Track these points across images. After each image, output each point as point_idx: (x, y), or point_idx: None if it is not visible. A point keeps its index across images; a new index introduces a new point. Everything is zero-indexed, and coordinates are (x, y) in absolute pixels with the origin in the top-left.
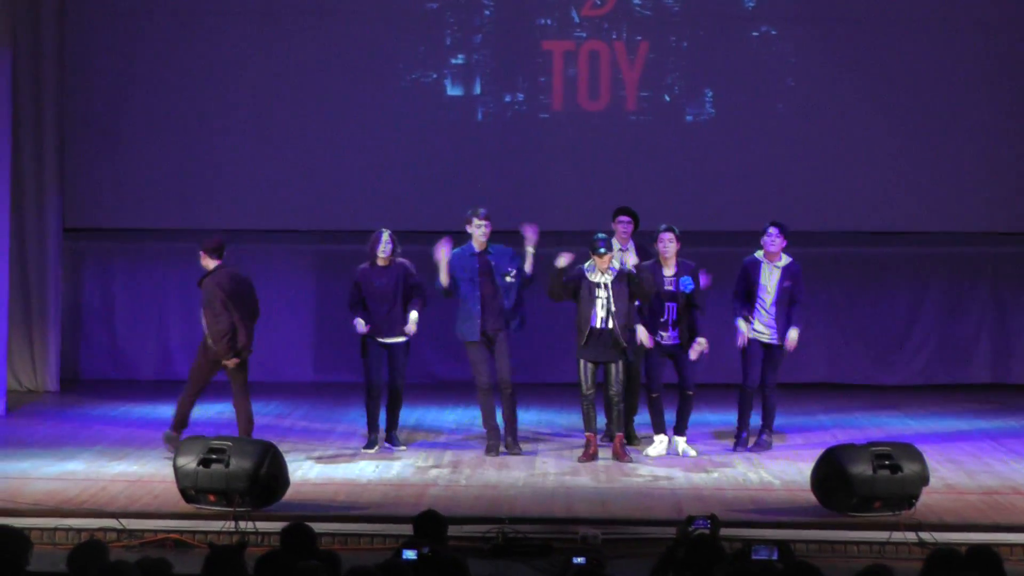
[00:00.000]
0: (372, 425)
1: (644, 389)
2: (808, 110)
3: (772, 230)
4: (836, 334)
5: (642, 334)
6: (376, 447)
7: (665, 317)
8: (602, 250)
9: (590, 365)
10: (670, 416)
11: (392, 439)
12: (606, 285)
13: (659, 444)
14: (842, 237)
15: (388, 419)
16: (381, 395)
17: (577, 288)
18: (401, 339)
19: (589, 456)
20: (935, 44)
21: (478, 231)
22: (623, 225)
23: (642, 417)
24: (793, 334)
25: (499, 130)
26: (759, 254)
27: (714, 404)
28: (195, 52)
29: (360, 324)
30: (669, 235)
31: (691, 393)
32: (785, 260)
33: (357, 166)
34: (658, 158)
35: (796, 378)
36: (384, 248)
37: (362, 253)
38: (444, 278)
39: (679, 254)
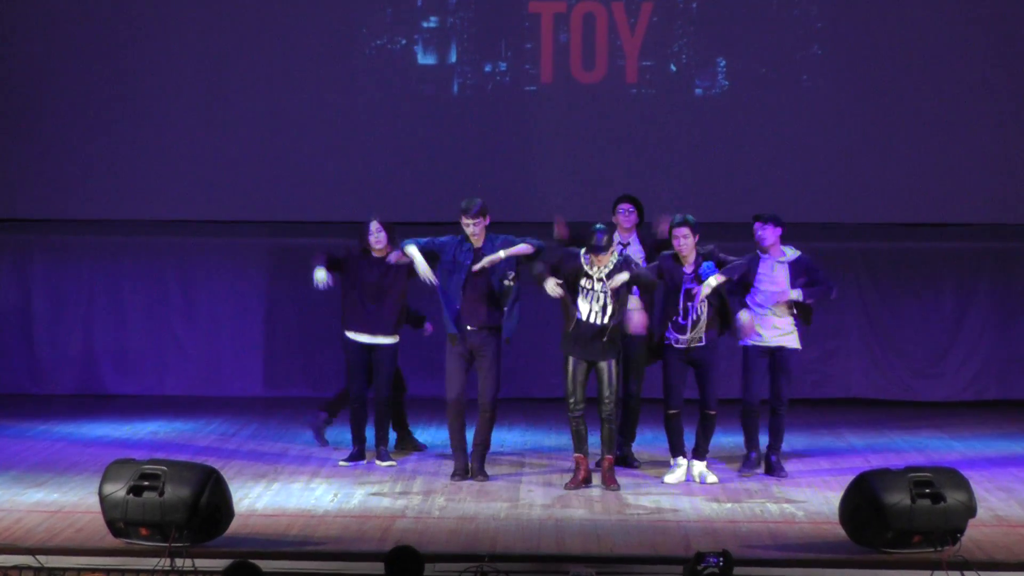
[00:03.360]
0: (355, 437)
1: (662, 405)
2: (838, 82)
3: (756, 225)
4: (869, 342)
5: (636, 320)
6: (361, 460)
7: (685, 319)
8: (600, 244)
9: (578, 366)
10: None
11: (380, 454)
12: (602, 280)
13: (679, 470)
14: (876, 230)
15: (376, 430)
16: (365, 404)
17: (565, 273)
18: (388, 340)
19: (579, 482)
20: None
21: (467, 230)
22: (624, 215)
23: (643, 436)
24: (794, 293)
25: (479, 105)
26: (760, 251)
27: (726, 423)
28: (126, 21)
29: (321, 275)
30: (685, 230)
31: (713, 413)
32: (791, 254)
33: (315, 147)
34: (663, 138)
35: (823, 393)
36: (376, 238)
37: (319, 249)
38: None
39: (696, 246)
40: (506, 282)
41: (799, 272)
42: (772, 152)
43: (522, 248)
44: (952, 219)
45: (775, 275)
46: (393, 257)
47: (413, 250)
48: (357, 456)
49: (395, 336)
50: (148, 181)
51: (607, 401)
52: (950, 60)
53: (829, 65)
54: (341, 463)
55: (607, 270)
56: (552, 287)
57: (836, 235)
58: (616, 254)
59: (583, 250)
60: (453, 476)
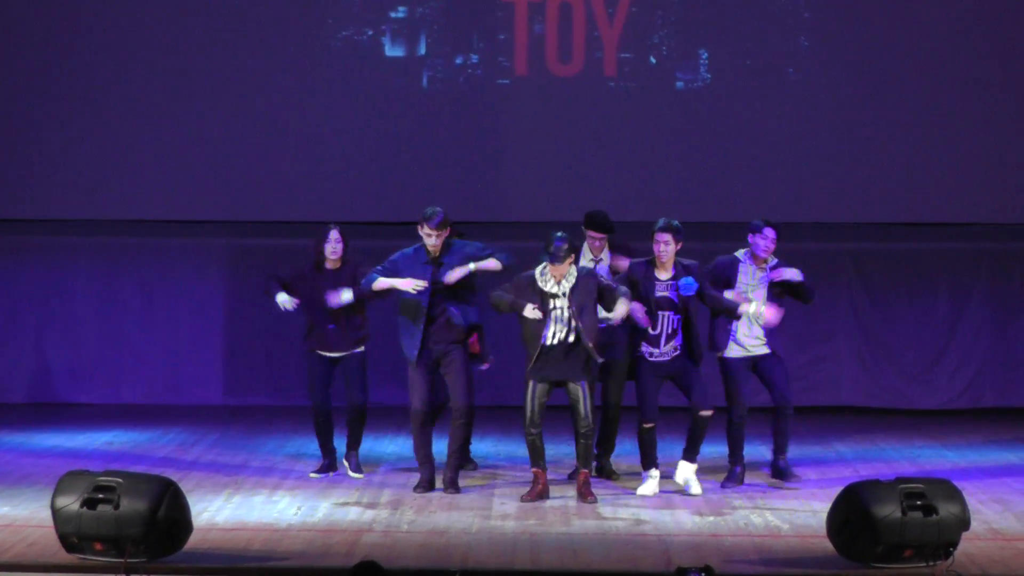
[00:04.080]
0: (323, 448)
1: (638, 418)
2: (826, 75)
3: (769, 232)
4: (859, 347)
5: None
6: (329, 472)
7: (658, 330)
8: (559, 256)
9: (540, 387)
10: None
11: (351, 464)
12: (565, 294)
13: (651, 481)
14: (867, 230)
15: (348, 438)
16: (329, 418)
17: (520, 303)
18: (358, 350)
19: (536, 494)
20: None
21: (427, 240)
22: (593, 241)
23: (621, 447)
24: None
25: (449, 99)
26: (740, 254)
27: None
28: (76, 16)
29: (284, 299)
30: (667, 235)
31: (707, 414)
32: (771, 259)
33: (276, 144)
34: (642, 134)
35: (810, 400)
36: (333, 248)
37: (281, 249)
38: (380, 287)
39: (678, 254)
40: (456, 321)
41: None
42: (757, 149)
43: (491, 264)
44: (946, 218)
45: (753, 280)
46: (345, 298)
47: (382, 282)
48: (328, 467)
49: (360, 347)
50: (102, 179)
51: (583, 422)
52: (944, 51)
53: (817, 57)
54: (312, 475)
55: (568, 285)
56: (531, 312)
57: (825, 235)
58: (574, 269)
59: (538, 268)
60: (417, 488)
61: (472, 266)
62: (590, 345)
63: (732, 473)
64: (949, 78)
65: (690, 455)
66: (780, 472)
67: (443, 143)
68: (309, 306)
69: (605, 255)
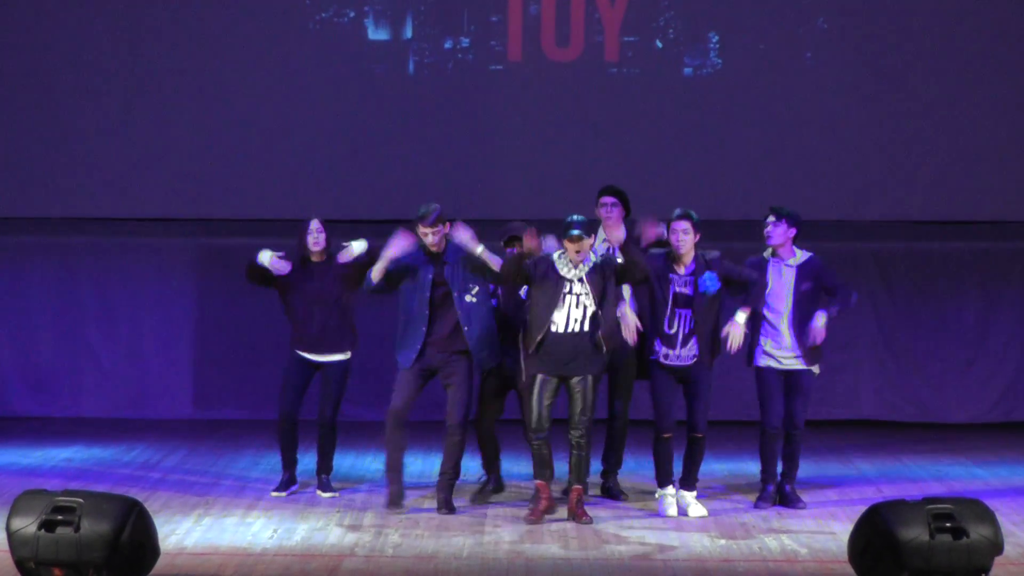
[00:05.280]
0: (285, 461)
1: (652, 428)
2: (847, 60)
3: (770, 219)
4: (880, 355)
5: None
6: (293, 487)
7: (674, 329)
8: (575, 232)
9: (547, 385)
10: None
11: (321, 483)
12: (582, 280)
13: (671, 499)
14: (891, 228)
15: (318, 458)
16: (294, 428)
17: (534, 275)
18: (339, 357)
19: (540, 512)
20: None
21: (424, 240)
22: (607, 209)
23: (625, 463)
24: (820, 320)
25: (437, 87)
26: (767, 253)
27: (718, 447)
28: (30, 4)
29: (268, 255)
30: (685, 224)
31: (700, 436)
32: (800, 256)
33: (250, 135)
34: (647, 124)
35: (828, 414)
36: (315, 239)
37: (255, 250)
38: (377, 270)
39: (698, 246)
40: (469, 297)
41: (805, 276)
42: (771, 139)
43: (495, 261)
44: (977, 216)
45: (784, 280)
46: (357, 249)
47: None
48: (288, 483)
49: (346, 352)
50: (58, 173)
51: (578, 423)
52: (976, 33)
53: (837, 40)
54: (272, 494)
55: (586, 269)
56: (532, 241)
57: (845, 234)
58: (593, 254)
59: (556, 253)
60: (388, 504)
61: (481, 248)
62: (601, 336)
63: (764, 492)
64: (985, 62)
65: (688, 482)
66: (785, 498)
67: (430, 134)
68: (292, 302)
69: (621, 231)
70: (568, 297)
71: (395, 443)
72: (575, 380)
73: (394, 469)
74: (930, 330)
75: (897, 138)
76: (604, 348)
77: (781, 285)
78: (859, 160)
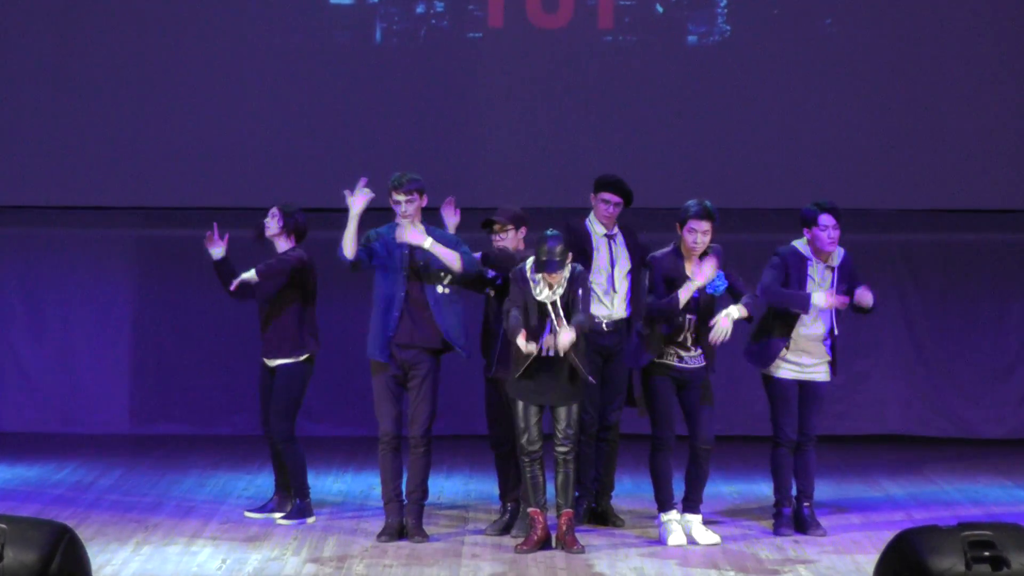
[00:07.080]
0: (277, 483)
1: (649, 441)
2: (871, 27)
3: (826, 219)
4: (909, 361)
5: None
6: (274, 511)
7: (684, 332)
8: (554, 260)
9: (531, 408)
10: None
11: (271, 503)
12: (554, 304)
13: (675, 524)
14: (920, 217)
15: (275, 478)
16: (272, 443)
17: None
18: (281, 361)
19: (534, 543)
20: None
21: (397, 208)
22: (605, 206)
23: (620, 484)
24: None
25: (408, 57)
26: (801, 244)
27: (724, 465)
28: None
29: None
30: (706, 224)
31: (708, 448)
32: (837, 257)
33: (197, 113)
34: (646, 99)
35: (851, 428)
36: (271, 224)
37: (202, 243)
38: (348, 243)
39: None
40: (440, 289)
41: (843, 278)
42: (785, 118)
43: (450, 257)
44: (1017, 205)
45: (820, 283)
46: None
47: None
48: (275, 506)
49: (291, 356)
50: None
51: (564, 439)
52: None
53: (860, 5)
54: (247, 514)
55: (561, 290)
56: (524, 345)
57: (869, 225)
58: (568, 269)
59: (528, 263)
60: (381, 536)
61: (429, 242)
62: (577, 361)
63: (781, 516)
64: (1022, 33)
65: (693, 504)
66: (804, 523)
67: (400, 111)
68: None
69: (618, 236)
70: (548, 322)
71: (393, 471)
72: (559, 410)
73: (394, 497)
74: (963, 333)
75: (927, 118)
76: (583, 375)
77: (824, 284)
78: (885, 142)
